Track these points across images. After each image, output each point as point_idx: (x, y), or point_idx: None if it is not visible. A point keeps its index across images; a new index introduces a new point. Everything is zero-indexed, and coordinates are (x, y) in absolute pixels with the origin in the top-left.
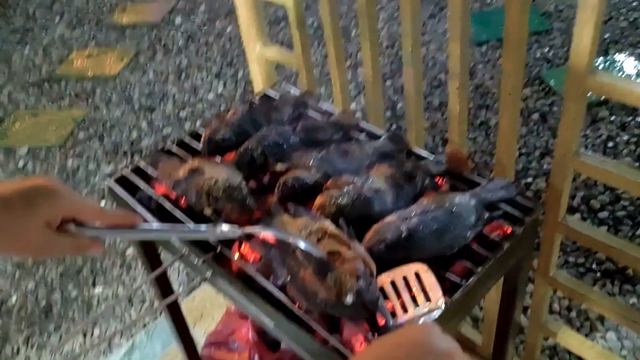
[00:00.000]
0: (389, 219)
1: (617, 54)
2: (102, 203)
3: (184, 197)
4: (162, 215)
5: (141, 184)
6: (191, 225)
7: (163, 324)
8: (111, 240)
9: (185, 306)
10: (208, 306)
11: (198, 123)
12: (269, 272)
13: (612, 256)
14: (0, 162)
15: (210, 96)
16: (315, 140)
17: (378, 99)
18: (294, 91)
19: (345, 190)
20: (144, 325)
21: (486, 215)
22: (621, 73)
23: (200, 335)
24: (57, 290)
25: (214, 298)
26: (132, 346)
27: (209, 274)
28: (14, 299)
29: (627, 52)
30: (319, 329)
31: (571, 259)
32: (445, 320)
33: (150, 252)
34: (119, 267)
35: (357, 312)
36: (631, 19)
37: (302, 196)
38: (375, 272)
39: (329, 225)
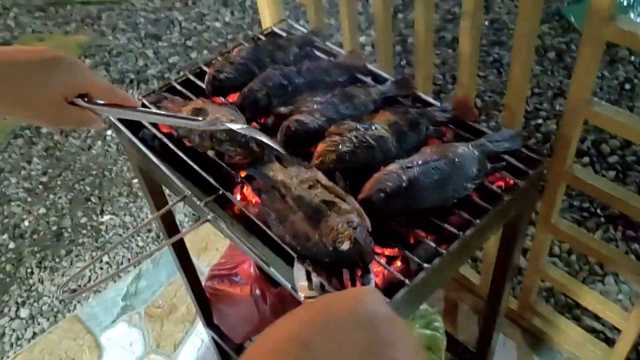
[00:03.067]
0: (391, 167)
1: None
2: (109, 132)
3: (187, 138)
4: (165, 155)
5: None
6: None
7: (169, 254)
8: (118, 168)
9: (190, 238)
10: (212, 238)
11: (205, 52)
12: (269, 222)
13: (617, 207)
14: None
15: (217, 25)
16: (321, 82)
17: (387, 34)
18: (301, 29)
19: (347, 136)
20: (151, 254)
21: (489, 166)
22: None
23: (204, 266)
24: (67, 216)
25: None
26: (139, 273)
27: (211, 216)
28: (26, 223)
29: None
30: (316, 274)
31: (575, 203)
32: (442, 270)
33: (155, 191)
34: (125, 196)
35: (351, 261)
36: None
37: (304, 141)
38: (370, 229)
39: (322, 177)
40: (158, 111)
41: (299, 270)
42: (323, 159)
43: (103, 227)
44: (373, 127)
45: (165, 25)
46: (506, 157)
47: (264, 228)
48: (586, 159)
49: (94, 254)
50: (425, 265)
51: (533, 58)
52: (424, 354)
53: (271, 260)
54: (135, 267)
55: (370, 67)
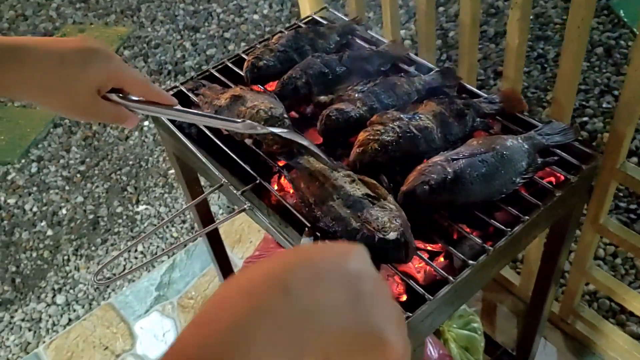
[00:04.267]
0: (435, 159)
1: None
2: (146, 123)
3: None
4: (202, 143)
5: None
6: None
7: (203, 245)
8: (154, 159)
9: (225, 229)
10: (247, 230)
11: (242, 45)
12: (305, 206)
13: None
14: None
15: (255, 17)
16: (362, 71)
17: (430, 27)
18: (343, 17)
19: (390, 126)
20: (185, 245)
21: (539, 160)
22: None
23: (237, 258)
24: (104, 205)
25: (253, 222)
26: (172, 264)
27: (247, 205)
28: (64, 211)
29: None
30: None
31: (622, 204)
32: (487, 268)
33: (190, 180)
34: (161, 187)
35: (394, 254)
36: None
37: (345, 130)
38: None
39: (364, 177)
40: (193, 110)
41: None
42: (365, 148)
43: (138, 217)
44: (417, 117)
45: (204, 17)
46: (557, 151)
47: (301, 218)
48: (634, 159)
49: (129, 243)
50: (470, 262)
51: (585, 49)
52: (404, 327)
53: None
54: (169, 257)
55: (413, 56)
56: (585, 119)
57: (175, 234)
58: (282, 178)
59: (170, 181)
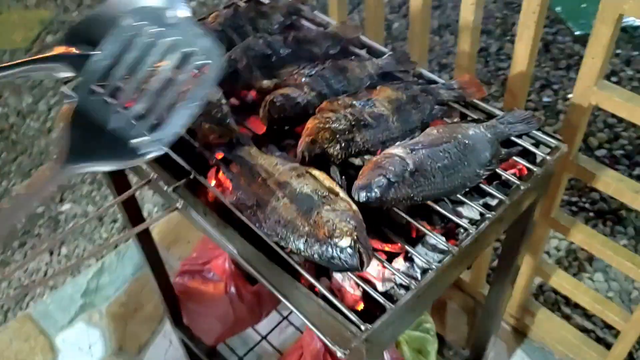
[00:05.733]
0: (392, 150)
1: None
2: None
3: None
4: None
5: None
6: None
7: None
8: None
9: (160, 229)
10: (184, 229)
11: None
12: (247, 207)
13: (627, 201)
14: None
15: (193, 4)
16: (309, 54)
17: (380, 11)
18: None
19: (342, 113)
20: (115, 246)
21: (503, 151)
22: None
23: (174, 260)
24: None
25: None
26: (101, 268)
27: (180, 203)
28: None
29: None
30: (306, 272)
31: (564, 197)
32: (452, 270)
33: (117, 176)
34: (88, 183)
35: (349, 260)
36: None
37: (291, 119)
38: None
39: (312, 169)
40: None
41: None
42: (314, 137)
43: (62, 217)
44: (371, 104)
45: None
46: (518, 141)
47: (242, 218)
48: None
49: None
50: (435, 264)
51: (540, 34)
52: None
53: (249, 255)
54: (97, 260)
55: (365, 39)
56: None
57: (104, 234)
58: (220, 173)
59: (99, 177)
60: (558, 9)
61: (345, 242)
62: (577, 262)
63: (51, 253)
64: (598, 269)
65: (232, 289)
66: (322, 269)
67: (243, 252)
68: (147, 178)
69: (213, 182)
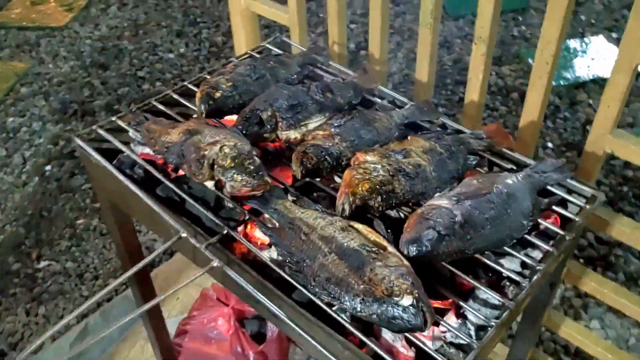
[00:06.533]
0: (436, 202)
1: (592, 36)
2: (48, 167)
3: (178, 165)
4: (148, 185)
5: (122, 146)
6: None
7: (120, 304)
8: (59, 208)
9: None
10: (172, 284)
11: (158, 84)
12: (290, 264)
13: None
14: None
15: (171, 56)
16: (332, 104)
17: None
18: (298, 47)
19: (380, 164)
20: (98, 305)
21: (543, 201)
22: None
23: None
24: None
25: (175, 274)
26: (84, 329)
27: (217, 263)
28: None
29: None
30: (355, 331)
31: None
32: (505, 326)
33: (126, 232)
34: (67, 239)
35: (413, 320)
36: (606, 3)
37: (323, 170)
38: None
39: (354, 223)
40: None
41: None
42: (354, 189)
43: (40, 275)
44: (407, 154)
45: (113, 54)
46: (553, 190)
47: (285, 275)
48: None
49: (27, 306)
50: (493, 321)
51: (551, 85)
52: None
53: (295, 317)
54: (78, 321)
55: (383, 89)
56: None
57: (85, 293)
58: (249, 227)
59: (79, 232)
60: (530, 60)
61: (407, 300)
62: (572, 309)
63: (27, 313)
64: (594, 316)
65: (238, 349)
66: (369, 329)
67: (287, 311)
68: (176, 235)
69: (245, 239)
